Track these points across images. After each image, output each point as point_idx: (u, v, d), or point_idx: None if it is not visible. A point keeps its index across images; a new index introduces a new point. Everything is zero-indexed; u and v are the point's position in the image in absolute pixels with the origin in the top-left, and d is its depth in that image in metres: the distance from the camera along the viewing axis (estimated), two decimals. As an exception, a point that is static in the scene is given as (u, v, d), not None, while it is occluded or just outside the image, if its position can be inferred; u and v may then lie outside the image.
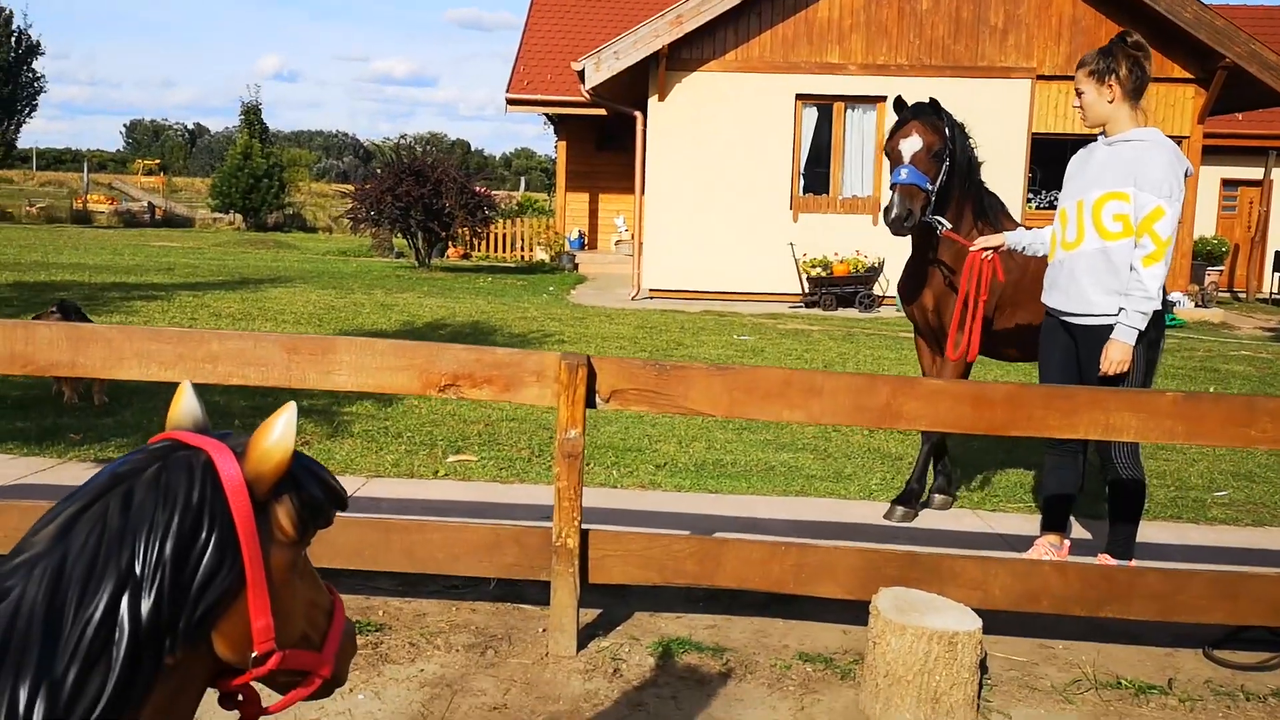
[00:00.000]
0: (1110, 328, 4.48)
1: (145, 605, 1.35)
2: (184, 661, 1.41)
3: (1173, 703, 3.85)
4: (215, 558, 1.41)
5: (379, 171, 22.71)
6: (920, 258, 5.78)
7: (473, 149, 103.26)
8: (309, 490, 1.55)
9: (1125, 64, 4.51)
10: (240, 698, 1.62)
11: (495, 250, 26.33)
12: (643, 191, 18.20)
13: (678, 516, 5.58)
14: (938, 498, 6.08)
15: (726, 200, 17.84)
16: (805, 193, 18.25)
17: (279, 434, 1.47)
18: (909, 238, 5.71)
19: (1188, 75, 17.53)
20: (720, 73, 17.74)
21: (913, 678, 3.50)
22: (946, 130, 5.55)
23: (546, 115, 26.36)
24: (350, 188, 23.60)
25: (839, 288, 17.33)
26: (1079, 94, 4.64)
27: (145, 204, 42.22)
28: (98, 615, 1.33)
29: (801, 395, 3.82)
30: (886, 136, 5.72)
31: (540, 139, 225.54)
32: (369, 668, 3.79)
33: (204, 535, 1.40)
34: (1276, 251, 22.60)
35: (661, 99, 17.76)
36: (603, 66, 16.91)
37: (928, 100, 5.65)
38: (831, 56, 17.79)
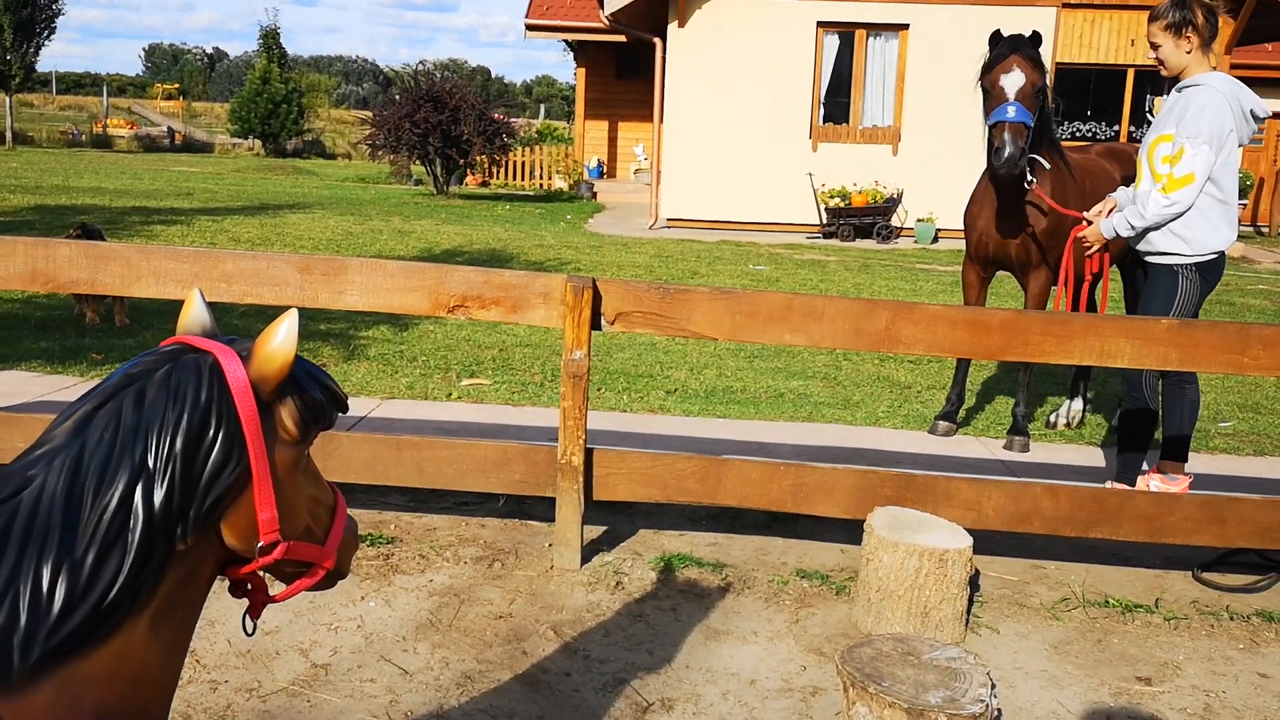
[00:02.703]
0: (1168, 267, 4.63)
1: (158, 495, 1.46)
2: (195, 548, 1.52)
3: (1157, 620, 3.96)
4: (222, 453, 1.51)
5: (397, 98, 22.62)
6: (1008, 193, 5.70)
7: (493, 76, 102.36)
8: (310, 393, 1.65)
9: (1201, 12, 4.51)
10: (249, 586, 1.73)
11: (514, 178, 26.29)
12: (661, 120, 18.11)
13: (685, 440, 5.69)
14: (942, 424, 6.17)
15: (745, 129, 17.74)
16: (825, 122, 18.12)
17: (281, 338, 1.56)
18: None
19: (1216, 4, 17.20)
20: (741, -2, 17.54)
21: (904, 593, 3.62)
22: (1043, 65, 5.49)
23: (566, 41, 26.16)
24: (369, 114, 23.49)
25: (857, 218, 17.28)
26: (1155, 47, 4.62)
27: (165, 129, 42.30)
28: (114, 503, 1.43)
29: (802, 319, 3.90)
30: (982, 69, 5.57)
31: (561, 66, 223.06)
32: (379, 578, 3.94)
33: (212, 432, 1.50)
34: (1302, 185, 22.32)
35: (681, 25, 17.59)
36: (622, -9, 16.74)
37: (1029, 34, 5.55)
38: (854, -17, 17.55)
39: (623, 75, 25.06)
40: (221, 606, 3.61)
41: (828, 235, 17.30)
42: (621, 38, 20.87)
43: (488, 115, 21.67)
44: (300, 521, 1.68)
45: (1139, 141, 5.26)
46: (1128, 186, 5.18)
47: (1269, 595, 4.26)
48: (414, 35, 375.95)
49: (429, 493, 4.74)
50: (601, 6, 17.35)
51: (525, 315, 3.96)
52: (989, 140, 5.46)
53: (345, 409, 1.75)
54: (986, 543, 4.36)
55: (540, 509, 4.61)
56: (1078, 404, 6.58)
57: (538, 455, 4.11)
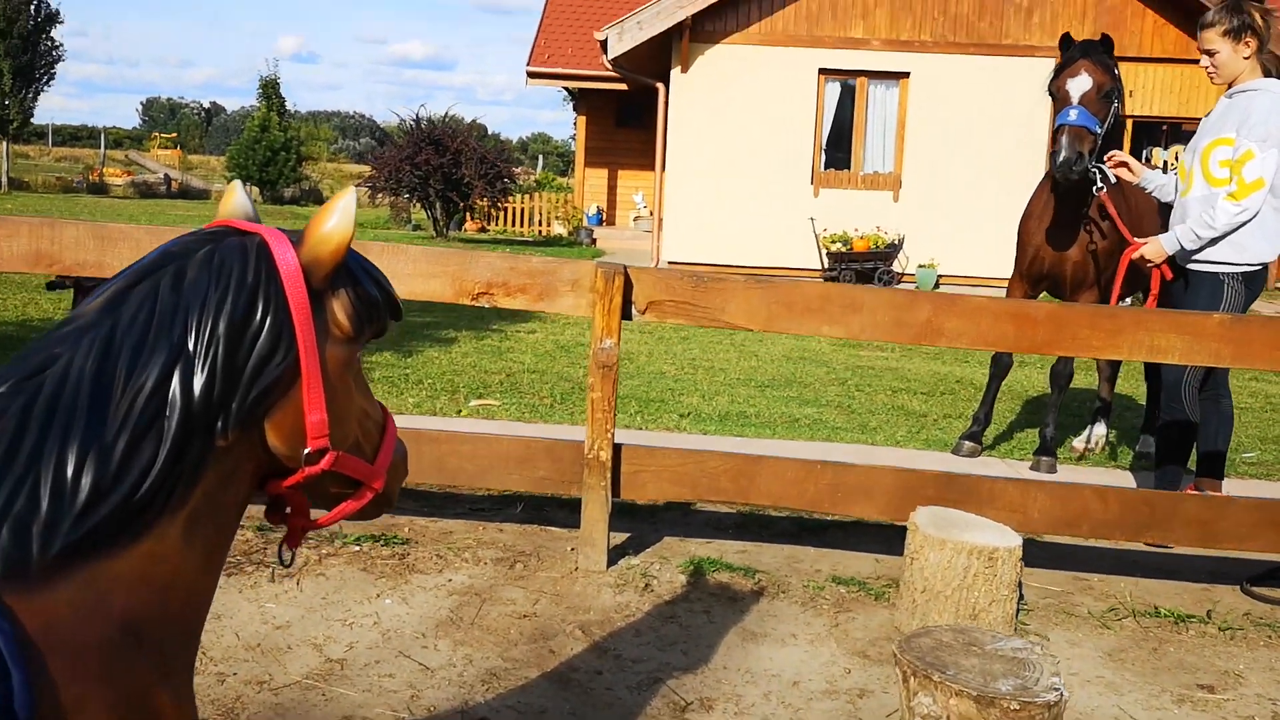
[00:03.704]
0: (1214, 275, 4.47)
1: (198, 382, 1.29)
2: (236, 447, 1.35)
3: (1212, 631, 3.77)
4: (270, 341, 1.34)
5: (398, 141, 22.60)
6: (1067, 206, 5.52)
7: (489, 132, 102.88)
8: (365, 288, 1.51)
9: (1258, 14, 4.42)
10: (288, 510, 1.56)
11: (513, 224, 26.20)
12: (663, 167, 18.09)
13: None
14: (966, 444, 6.00)
15: (747, 174, 17.71)
16: (827, 168, 18.11)
17: (338, 218, 1.41)
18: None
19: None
20: (744, 45, 17.59)
21: (951, 593, 3.43)
22: (1115, 70, 5.32)
23: (567, 89, 26.25)
24: (367, 169, 23.32)
25: (858, 263, 17.20)
26: (1210, 54, 4.48)
27: (161, 175, 42.30)
28: (148, 386, 1.26)
29: (841, 310, 3.75)
30: (1051, 75, 5.40)
31: (557, 124, 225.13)
32: (395, 576, 3.74)
33: (258, 317, 1.34)
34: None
35: (684, 71, 17.63)
36: (625, 36, 16.78)
37: (1098, 38, 5.38)
38: (855, 31, 17.63)
39: (623, 124, 25.09)
40: (228, 600, 3.42)
41: (829, 280, 17.22)
42: (623, 86, 20.95)
43: (489, 158, 21.65)
44: (349, 432, 1.51)
45: None
46: (1161, 210, 5.06)
47: (1323, 609, 4.08)
48: (412, 93, 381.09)
49: (444, 498, 4.55)
50: (605, 52, 17.38)
51: (553, 303, 3.79)
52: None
53: (399, 316, 1.61)
54: (1026, 554, 4.15)
55: (560, 515, 4.42)
56: (1100, 428, 6.42)
57: (563, 450, 3.93)
